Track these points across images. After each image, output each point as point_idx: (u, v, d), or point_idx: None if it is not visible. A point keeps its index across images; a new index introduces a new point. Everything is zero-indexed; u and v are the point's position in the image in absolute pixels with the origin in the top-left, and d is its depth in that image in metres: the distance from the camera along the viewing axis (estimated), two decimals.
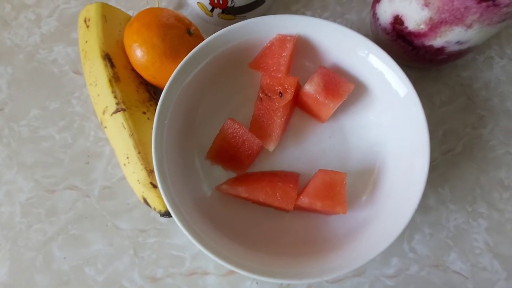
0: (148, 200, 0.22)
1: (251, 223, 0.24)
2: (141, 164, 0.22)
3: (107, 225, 0.25)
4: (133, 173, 0.22)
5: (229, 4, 0.26)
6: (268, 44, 0.24)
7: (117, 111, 0.23)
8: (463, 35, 0.22)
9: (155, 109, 0.23)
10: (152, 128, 0.21)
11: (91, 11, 0.25)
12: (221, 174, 0.25)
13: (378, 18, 0.27)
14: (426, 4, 0.21)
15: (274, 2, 0.31)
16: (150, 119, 0.24)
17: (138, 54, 0.22)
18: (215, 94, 0.25)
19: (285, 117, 0.24)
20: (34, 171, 0.26)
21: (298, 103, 0.25)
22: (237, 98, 0.26)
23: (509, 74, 0.29)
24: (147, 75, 0.24)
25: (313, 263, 0.21)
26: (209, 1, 0.25)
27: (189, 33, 0.24)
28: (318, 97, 0.23)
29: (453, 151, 0.27)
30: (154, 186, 0.22)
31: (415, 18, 0.23)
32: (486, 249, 0.25)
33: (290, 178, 0.23)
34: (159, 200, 0.22)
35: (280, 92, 0.24)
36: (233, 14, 0.27)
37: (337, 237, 0.22)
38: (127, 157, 0.22)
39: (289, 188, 0.21)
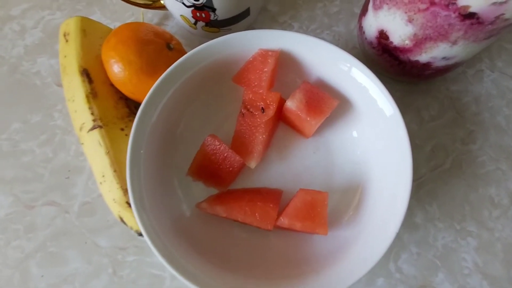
0: (125, 219, 0.22)
1: (232, 243, 0.23)
2: (117, 183, 0.21)
3: (86, 242, 0.24)
4: (109, 191, 0.22)
5: (212, 18, 0.25)
6: (251, 59, 0.24)
7: (93, 128, 0.22)
8: (448, 51, 0.22)
9: None
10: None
11: (71, 25, 0.24)
12: (202, 191, 0.24)
13: (364, 32, 0.26)
14: (410, 20, 0.21)
15: (261, 14, 0.30)
16: (128, 135, 0.23)
17: (115, 70, 0.22)
18: (196, 110, 0.25)
19: (267, 133, 0.23)
20: (13, 186, 0.26)
21: (282, 118, 0.25)
22: (219, 113, 0.25)
23: (499, 88, 0.28)
24: (125, 91, 0.23)
25: (296, 286, 0.20)
26: (191, 15, 0.25)
27: (169, 48, 0.23)
28: (300, 114, 0.22)
29: (441, 167, 0.26)
30: (130, 206, 0.21)
31: (400, 33, 0.22)
32: (475, 269, 0.24)
33: (271, 197, 0.22)
34: (135, 219, 0.22)
35: (262, 108, 0.23)
36: (217, 27, 0.27)
37: (320, 257, 0.22)
38: (103, 175, 0.22)
39: (269, 208, 0.21)
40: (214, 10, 0.24)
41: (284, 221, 0.20)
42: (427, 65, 0.24)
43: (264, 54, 0.23)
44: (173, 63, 0.22)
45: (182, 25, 0.29)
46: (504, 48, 0.29)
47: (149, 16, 0.30)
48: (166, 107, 0.23)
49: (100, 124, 0.22)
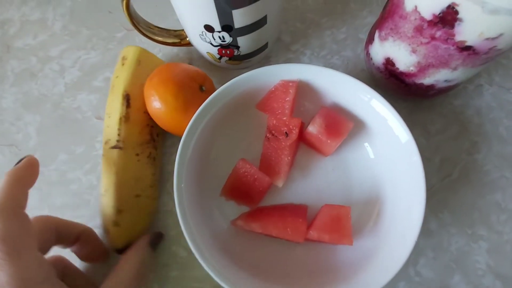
0: (106, 234, 0.25)
1: (264, 254, 0.25)
2: (114, 202, 0.24)
3: None
4: (105, 206, 0.25)
5: (235, 53, 0.28)
6: (273, 89, 0.27)
7: (115, 147, 0.25)
8: (449, 75, 0.24)
9: (150, 152, 0.27)
10: (138, 169, 0.25)
11: (130, 53, 0.28)
12: (234, 209, 0.27)
13: (371, 58, 0.29)
14: (414, 51, 0.24)
15: (275, 44, 0.34)
16: (140, 161, 0.26)
17: (154, 105, 0.25)
18: (225, 137, 0.28)
19: (291, 155, 0.26)
20: (63, 212, 0.29)
21: (303, 140, 0.28)
22: (245, 139, 0.28)
23: (499, 101, 0.31)
24: (159, 123, 0.26)
25: None
26: (217, 52, 0.28)
27: (201, 90, 0.26)
28: (320, 137, 0.25)
29: (450, 177, 0.29)
30: (117, 225, 0.24)
31: (405, 61, 0.25)
32: (488, 270, 0.26)
33: (299, 212, 0.25)
34: (116, 238, 0.25)
35: (286, 133, 0.26)
36: (239, 60, 0.30)
37: (346, 267, 0.24)
38: (105, 190, 0.25)
39: (299, 223, 0.23)
40: (238, 47, 0.27)
41: (313, 234, 0.23)
42: (431, 87, 0.26)
43: (285, 85, 0.26)
44: (203, 102, 0.25)
45: (206, 59, 0.32)
46: (501, 64, 0.32)
47: (175, 51, 0.34)
48: (199, 139, 0.25)
49: (121, 146, 0.25)
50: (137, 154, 0.26)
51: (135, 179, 0.26)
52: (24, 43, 0.35)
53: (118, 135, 0.25)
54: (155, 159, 0.27)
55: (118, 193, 0.25)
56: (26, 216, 0.19)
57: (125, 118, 0.26)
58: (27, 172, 0.20)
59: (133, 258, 0.23)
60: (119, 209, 0.24)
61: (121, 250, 0.25)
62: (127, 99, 0.26)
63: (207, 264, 0.22)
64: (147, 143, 0.27)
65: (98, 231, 0.28)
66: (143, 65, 0.28)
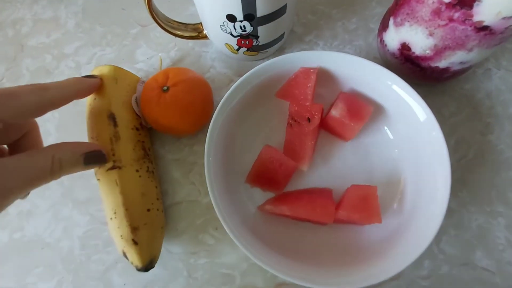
0: (128, 255, 0.24)
1: (291, 237, 0.26)
2: (127, 221, 0.24)
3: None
4: (118, 227, 0.24)
5: (254, 44, 0.29)
6: (293, 76, 0.27)
7: (113, 168, 0.24)
8: (465, 57, 0.25)
9: (147, 166, 0.27)
10: (142, 184, 0.25)
11: (104, 72, 0.27)
12: (259, 194, 0.27)
13: (386, 45, 0.30)
14: (431, 34, 0.25)
15: (289, 35, 0.34)
16: (142, 176, 0.26)
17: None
18: (246, 126, 0.28)
19: (314, 140, 0.27)
20: (88, 206, 0.29)
21: (323, 126, 0.28)
22: (267, 126, 0.29)
23: (507, 84, 0.32)
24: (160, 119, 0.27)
25: (355, 272, 0.23)
26: (236, 43, 0.29)
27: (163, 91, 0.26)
28: (344, 121, 0.26)
29: (466, 157, 0.30)
30: (135, 243, 0.24)
31: (421, 45, 0.26)
32: (508, 244, 0.27)
33: (325, 194, 0.25)
34: (137, 256, 0.24)
35: (308, 118, 0.27)
36: (257, 50, 0.30)
37: (374, 245, 0.24)
38: (115, 212, 0.24)
39: (328, 204, 0.24)
40: (257, 37, 0.28)
41: (343, 213, 0.23)
42: (446, 70, 0.27)
43: (306, 72, 0.27)
44: (169, 101, 0.25)
45: (221, 51, 0.32)
46: (507, 48, 0.33)
47: (190, 45, 0.34)
48: (225, 126, 0.26)
49: (119, 165, 0.25)
50: (137, 170, 0.25)
51: (141, 195, 0.25)
52: (37, 42, 0.35)
53: (113, 155, 0.25)
54: (153, 172, 0.27)
55: (129, 211, 0.24)
56: None
57: (116, 138, 0.25)
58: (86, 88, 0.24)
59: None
60: (135, 227, 0.24)
61: (147, 268, 0.24)
62: (113, 119, 0.26)
63: (240, 243, 0.22)
64: (142, 158, 0.26)
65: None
66: (120, 83, 0.27)
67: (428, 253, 0.27)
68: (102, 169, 0.25)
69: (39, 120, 0.32)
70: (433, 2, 0.23)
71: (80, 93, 0.24)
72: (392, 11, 0.28)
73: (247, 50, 0.30)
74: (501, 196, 0.28)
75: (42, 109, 0.21)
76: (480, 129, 0.30)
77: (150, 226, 0.25)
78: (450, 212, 0.28)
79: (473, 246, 0.27)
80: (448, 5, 0.22)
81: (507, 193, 0.28)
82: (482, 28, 0.22)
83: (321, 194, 0.25)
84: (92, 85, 0.25)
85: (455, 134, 0.30)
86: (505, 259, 0.27)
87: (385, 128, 0.28)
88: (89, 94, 0.26)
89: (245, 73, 0.26)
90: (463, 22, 0.22)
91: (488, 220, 0.28)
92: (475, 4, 0.21)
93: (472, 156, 0.30)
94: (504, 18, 0.21)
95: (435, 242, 0.27)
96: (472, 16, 0.21)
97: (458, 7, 0.22)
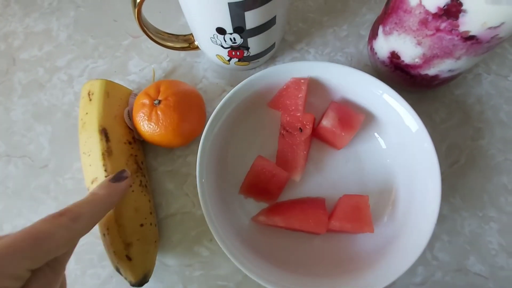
0: (121, 271, 0.24)
1: (285, 247, 0.26)
2: (120, 237, 0.23)
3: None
4: (110, 244, 0.24)
5: (245, 54, 0.29)
6: (285, 87, 0.28)
7: None
8: (453, 65, 0.25)
9: (140, 180, 0.26)
10: (135, 199, 0.25)
11: (96, 86, 0.27)
12: (253, 205, 0.27)
13: (376, 53, 0.30)
14: (419, 43, 0.25)
15: (280, 44, 0.34)
16: (135, 191, 0.26)
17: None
18: (239, 136, 0.28)
19: (306, 149, 0.27)
20: None
21: (315, 135, 0.28)
22: (258, 137, 0.29)
23: (497, 88, 0.32)
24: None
25: (349, 281, 0.23)
26: (227, 54, 0.29)
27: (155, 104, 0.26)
28: (335, 130, 0.26)
29: (458, 163, 0.30)
30: (129, 259, 0.23)
31: (410, 54, 0.26)
32: (501, 249, 0.27)
33: (318, 204, 0.25)
34: (131, 272, 0.24)
35: (300, 128, 0.27)
36: (248, 61, 0.31)
37: (367, 254, 0.25)
38: (108, 228, 0.24)
39: (320, 214, 0.24)
40: (248, 48, 0.28)
41: (335, 224, 0.24)
42: (435, 77, 0.28)
43: (297, 82, 0.27)
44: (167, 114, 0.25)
45: (213, 61, 0.33)
46: (496, 53, 0.34)
47: (182, 56, 0.34)
48: (217, 137, 0.26)
49: None
50: (130, 185, 0.25)
51: (134, 210, 0.25)
52: (29, 55, 0.35)
53: (105, 170, 0.25)
54: (146, 186, 0.27)
55: (122, 227, 0.24)
56: None
57: (108, 153, 0.25)
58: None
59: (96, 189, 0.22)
60: (128, 243, 0.24)
61: (141, 283, 0.24)
62: (105, 134, 0.26)
63: (233, 256, 0.22)
64: (135, 172, 0.26)
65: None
66: (112, 97, 0.27)
67: (421, 259, 0.27)
68: (94, 184, 0.25)
69: (31, 135, 0.32)
70: (420, 13, 0.23)
71: (112, 207, 0.22)
72: (381, 20, 0.28)
73: (238, 61, 0.30)
74: (493, 201, 0.29)
75: (71, 245, 0.19)
76: (471, 135, 0.31)
77: (143, 241, 0.24)
78: (442, 218, 0.28)
79: (466, 251, 0.27)
80: (435, 16, 0.22)
81: (498, 197, 0.29)
82: (469, 38, 0.22)
83: (314, 204, 0.25)
84: (124, 190, 0.22)
85: (447, 140, 0.31)
86: (498, 264, 0.27)
87: (377, 136, 0.28)
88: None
89: (237, 83, 0.26)
90: (450, 32, 0.22)
91: (480, 225, 0.28)
92: (460, 15, 0.21)
93: (463, 162, 0.30)
94: (489, 28, 0.21)
95: (429, 248, 0.27)
96: (458, 26, 0.22)
97: (444, 18, 0.22)
